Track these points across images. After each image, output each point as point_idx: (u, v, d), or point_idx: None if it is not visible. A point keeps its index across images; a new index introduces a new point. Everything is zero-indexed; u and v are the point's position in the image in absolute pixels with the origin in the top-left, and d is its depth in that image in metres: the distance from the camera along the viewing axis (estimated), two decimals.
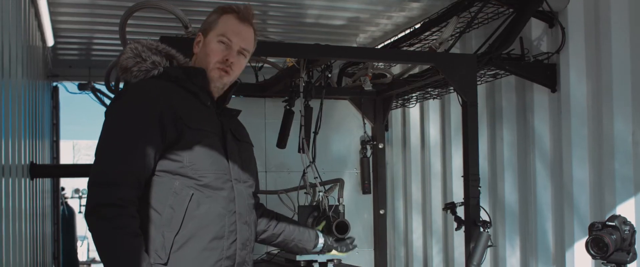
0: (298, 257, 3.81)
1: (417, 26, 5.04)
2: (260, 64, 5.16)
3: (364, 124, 4.99)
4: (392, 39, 5.56)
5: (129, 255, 2.27)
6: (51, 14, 5.15)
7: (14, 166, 3.71)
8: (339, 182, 3.90)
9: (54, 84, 7.56)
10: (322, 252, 3.17)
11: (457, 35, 4.38)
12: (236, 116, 2.73)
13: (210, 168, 2.45)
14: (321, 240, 3.11)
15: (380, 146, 5.06)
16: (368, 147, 5.03)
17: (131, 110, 2.39)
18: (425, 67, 4.60)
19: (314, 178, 3.86)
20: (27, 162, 4.44)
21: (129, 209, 2.31)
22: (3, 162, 3.22)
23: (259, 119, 4.86)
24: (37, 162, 5.12)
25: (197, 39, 2.62)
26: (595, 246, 2.78)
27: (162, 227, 2.38)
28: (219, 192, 2.46)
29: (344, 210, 3.77)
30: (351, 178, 5.03)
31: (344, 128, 5.10)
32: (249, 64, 5.24)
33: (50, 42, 5.70)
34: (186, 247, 2.39)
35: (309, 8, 5.20)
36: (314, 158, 4.00)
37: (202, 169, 2.42)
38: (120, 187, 2.30)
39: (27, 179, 4.43)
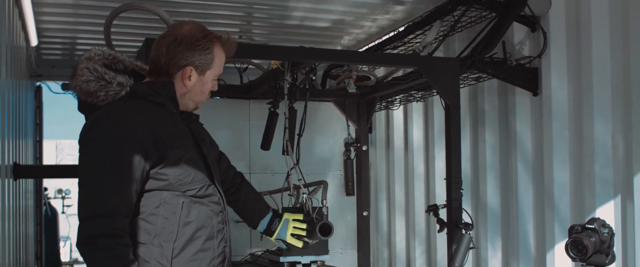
0: (281, 259, 3.84)
1: (401, 29, 5.06)
2: (244, 66, 5.16)
3: (348, 126, 5.00)
4: (376, 42, 5.57)
5: None
6: (35, 14, 5.12)
7: None
8: (322, 184, 3.92)
9: (38, 83, 7.52)
10: (264, 233, 3.34)
11: (440, 38, 4.40)
12: (197, 119, 2.75)
13: (195, 180, 2.52)
14: (265, 221, 3.28)
15: (364, 148, 5.07)
16: (352, 149, 5.03)
17: (112, 140, 2.37)
18: (409, 70, 4.62)
19: (298, 180, 3.88)
20: (11, 162, 4.41)
21: (124, 238, 2.35)
22: None
23: (243, 121, 4.86)
24: (21, 163, 5.09)
25: (188, 73, 2.54)
26: (575, 248, 2.81)
27: (157, 237, 2.44)
28: (206, 197, 2.56)
29: (327, 212, 3.79)
30: (335, 180, 5.04)
31: (328, 130, 5.10)
32: (233, 66, 5.30)
33: (33, 42, 5.68)
34: (185, 252, 2.47)
35: (293, 10, 5.21)
36: (297, 160, 4.02)
37: (188, 183, 2.49)
38: (114, 218, 2.33)
39: (10, 180, 4.40)
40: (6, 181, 4.18)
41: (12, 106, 4.52)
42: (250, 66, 5.17)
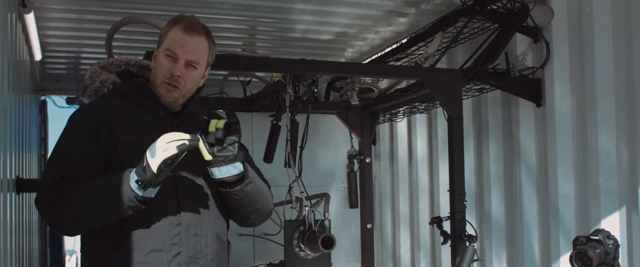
0: None
1: (404, 41, 5.04)
2: (247, 79, 5.16)
3: (351, 138, 4.99)
4: (379, 54, 5.57)
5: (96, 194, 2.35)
6: (39, 28, 5.13)
7: None
8: (324, 196, 3.91)
9: (42, 97, 7.53)
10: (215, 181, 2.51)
11: (442, 50, 4.39)
12: (198, 123, 2.48)
13: None
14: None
15: (367, 160, 5.06)
16: (355, 161, 5.03)
17: (71, 127, 2.51)
18: (412, 81, 4.60)
19: (300, 192, 3.87)
20: (13, 176, 4.40)
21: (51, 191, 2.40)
22: None
23: (246, 134, 4.80)
24: (24, 177, 5.08)
25: (154, 52, 2.59)
26: (579, 260, 2.78)
27: (100, 245, 2.42)
28: (158, 205, 2.37)
29: (330, 224, 3.78)
30: (338, 192, 5.03)
31: (331, 142, 5.09)
32: (237, 79, 5.29)
33: (38, 56, 5.68)
34: (120, 260, 2.38)
35: (296, 23, 5.21)
36: (300, 172, 4.01)
37: None
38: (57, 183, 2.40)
39: (13, 194, 4.39)
40: (8, 195, 4.17)
41: (15, 120, 4.51)
42: (253, 79, 5.17)
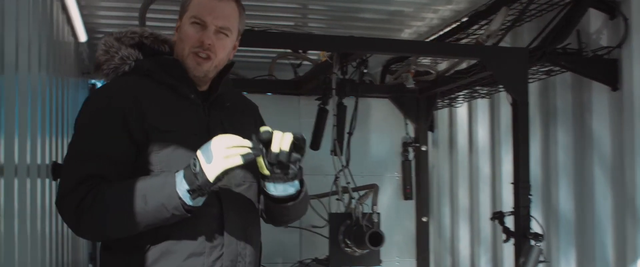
0: None
1: (464, 20, 4.75)
2: (298, 61, 4.95)
3: (406, 124, 4.77)
4: (437, 35, 5.29)
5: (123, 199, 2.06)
6: (83, 8, 4.99)
7: (34, 166, 3.54)
8: (373, 188, 3.63)
9: (92, 82, 7.44)
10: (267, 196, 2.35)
11: (506, 27, 4.09)
12: (232, 107, 2.40)
13: None
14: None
15: (423, 149, 4.84)
16: (410, 149, 4.81)
17: (91, 115, 2.20)
18: (473, 62, 4.34)
19: (346, 183, 3.60)
20: (49, 162, 4.28)
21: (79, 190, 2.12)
22: (16, 162, 3.05)
23: (293, 119, 4.66)
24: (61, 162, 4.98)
25: (177, 24, 2.34)
26: None
27: (129, 246, 2.16)
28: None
29: (379, 219, 3.52)
30: (392, 183, 4.87)
31: (385, 129, 4.91)
32: (287, 61, 5.10)
33: (82, 37, 5.55)
34: (155, 264, 2.12)
35: (349, 2, 4.94)
36: (347, 161, 3.76)
37: None
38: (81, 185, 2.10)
39: (49, 180, 4.27)
40: (46, 180, 4.06)
41: (54, 104, 4.38)
42: (304, 62, 4.97)
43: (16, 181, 3.03)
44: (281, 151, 2.06)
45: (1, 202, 2.90)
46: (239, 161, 1.98)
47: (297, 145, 2.10)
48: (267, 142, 2.06)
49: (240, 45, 2.43)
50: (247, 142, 2.02)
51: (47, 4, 3.95)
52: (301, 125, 4.59)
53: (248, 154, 2.00)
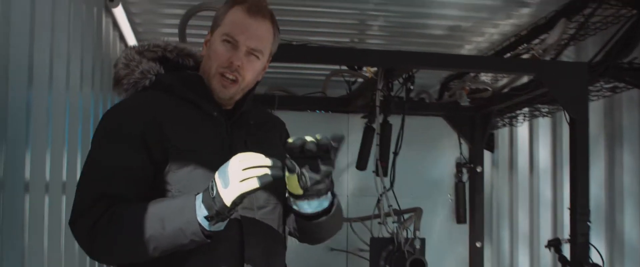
0: None
1: (523, 34, 4.51)
2: (353, 79, 4.80)
3: (460, 144, 4.54)
4: (496, 50, 5.06)
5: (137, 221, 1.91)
6: (140, 25, 4.95)
7: (71, 183, 3.51)
8: (416, 211, 3.42)
9: None
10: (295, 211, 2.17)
11: (566, 41, 3.84)
12: (256, 124, 2.24)
13: None
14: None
15: (478, 170, 4.62)
16: (464, 170, 4.59)
17: (108, 132, 2.05)
18: (531, 79, 4.13)
19: (389, 206, 3.40)
20: None
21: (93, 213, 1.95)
22: (64, 179, 3.03)
23: None
24: None
25: (207, 37, 2.19)
26: None
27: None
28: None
29: (422, 244, 3.30)
30: (444, 205, 4.66)
31: (438, 148, 4.71)
32: (342, 79, 4.95)
33: None
34: None
35: (406, 17, 4.76)
36: (392, 182, 3.55)
37: None
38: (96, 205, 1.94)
39: None
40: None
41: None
42: (358, 79, 4.81)
43: (64, 198, 3.00)
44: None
45: (46, 218, 2.86)
46: (256, 185, 1.81)
47: (327, 155, 1.93)
48: (300, 152, 1.89)
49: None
50: (267, 161, 1.84)
51: (94, 21, 3.93)
52: (349, 145, 4.42)
53: (265, 175, 1.82)
